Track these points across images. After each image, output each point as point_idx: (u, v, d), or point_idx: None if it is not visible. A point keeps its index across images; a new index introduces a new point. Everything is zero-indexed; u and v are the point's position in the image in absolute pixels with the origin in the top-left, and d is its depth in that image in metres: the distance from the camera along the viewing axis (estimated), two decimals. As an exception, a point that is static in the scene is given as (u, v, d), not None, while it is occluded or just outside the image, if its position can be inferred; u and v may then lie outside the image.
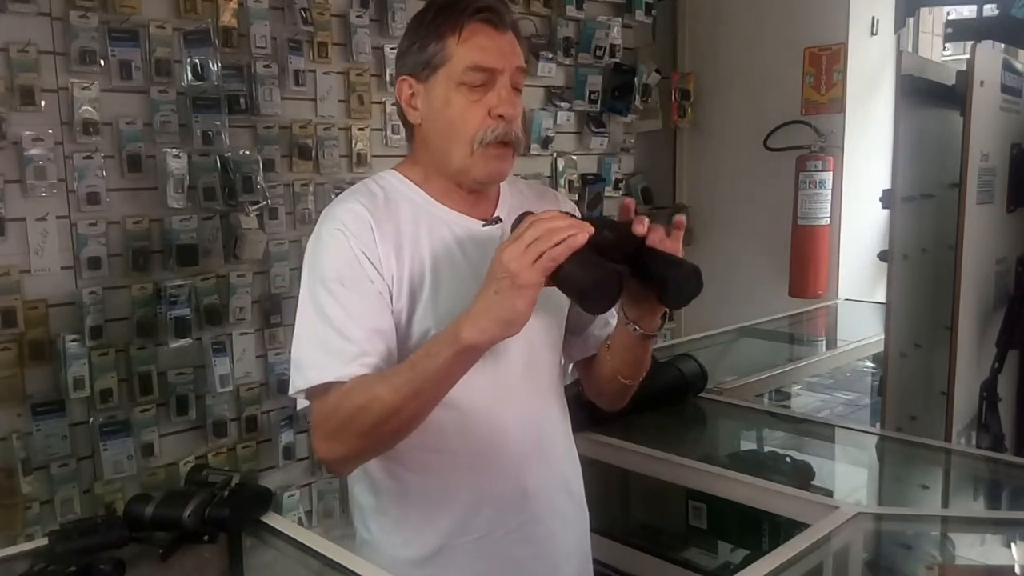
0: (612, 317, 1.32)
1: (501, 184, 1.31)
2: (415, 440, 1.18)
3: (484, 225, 1.26)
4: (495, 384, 1.23)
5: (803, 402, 2.81)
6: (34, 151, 2.11)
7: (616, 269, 1.04)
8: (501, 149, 1.20)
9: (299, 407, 2.09)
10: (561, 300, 1.32)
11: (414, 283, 1.19)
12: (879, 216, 2.77)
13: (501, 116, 1.18)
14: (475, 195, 1.27)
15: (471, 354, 1.07)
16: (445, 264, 1.21)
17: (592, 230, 1.02)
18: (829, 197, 3.30)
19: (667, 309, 1.20)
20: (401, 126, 1.31)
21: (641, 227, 1.10)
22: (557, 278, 1.03)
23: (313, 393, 1.16)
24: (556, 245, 1.00)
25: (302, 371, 1.16)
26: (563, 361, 1.39)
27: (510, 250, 1.02)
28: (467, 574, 1.26)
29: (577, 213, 1.39)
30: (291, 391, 1.18)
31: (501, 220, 1.27)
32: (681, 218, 1.13)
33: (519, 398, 1.27)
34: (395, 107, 1.29)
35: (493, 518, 1.26)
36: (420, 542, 1.25)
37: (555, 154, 3.43)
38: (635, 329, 1.22)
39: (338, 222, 1.19)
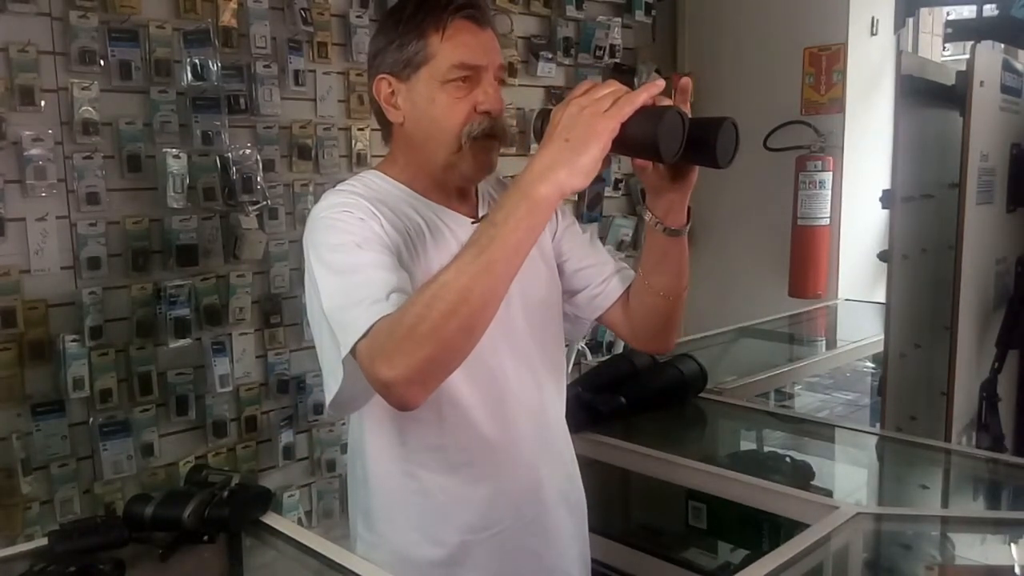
0: (610, 266, 1.38)
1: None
2: (432, 440, 1.19)
3: (473, 223, 1.25)
4: (507, 374, 1.24)
5: (803, 402, 2.81)
6: (34, 151, 2.10)
7: (676, 109, 1.04)
8: (489, 141, 1.20)
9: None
10: (554, 294, 1.33)
11: (416, 277, 1.17)
12: (879, 216, 2.77)
13: (488, 112, 1.18)
14: (460, 192, 1.27)
15: (542, 211, 0.99)
16: (446, 257, 1.20)
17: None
18: (829, 197, 3.29)
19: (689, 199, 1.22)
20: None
21: (665, 99, 1.06)
22: (625, 136, 1.01)
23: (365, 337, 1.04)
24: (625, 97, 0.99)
25: (347, 328, 1.05)
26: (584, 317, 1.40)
27: (575, 104, 1.00)
28: (488, 570, 1.26)
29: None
30: (343, 352, 1.05)
31: None
32: (686, 81, 1.13)
33: (531, 384, 1.28)
34: (372, 105, 1.27)
35: (512, 512, 1.27)
36: (440, 540, 1.25)
37: (555, 154, 3.42)
38: (663, 228, 1.23)
39: (342, 195, 1.19)
